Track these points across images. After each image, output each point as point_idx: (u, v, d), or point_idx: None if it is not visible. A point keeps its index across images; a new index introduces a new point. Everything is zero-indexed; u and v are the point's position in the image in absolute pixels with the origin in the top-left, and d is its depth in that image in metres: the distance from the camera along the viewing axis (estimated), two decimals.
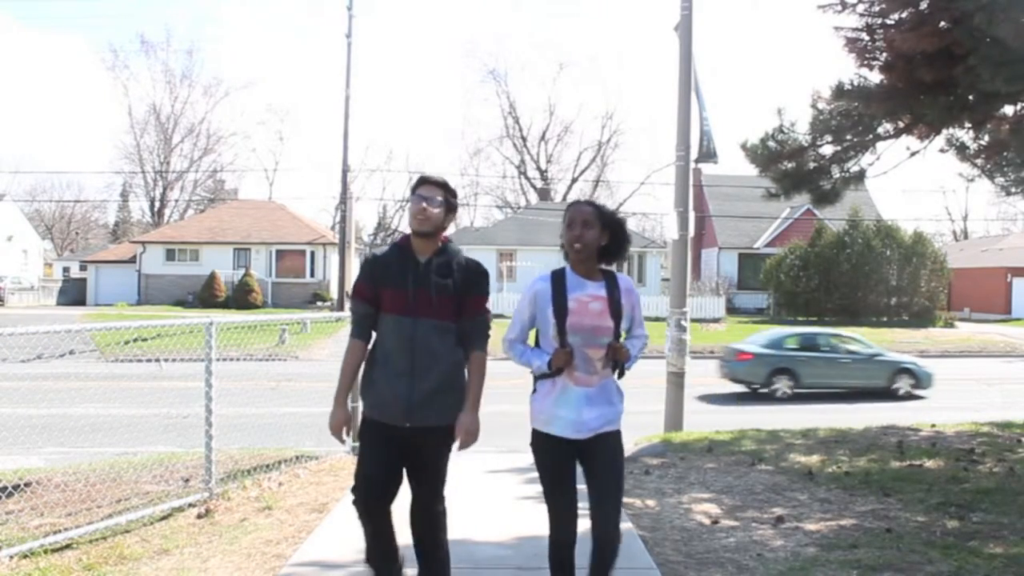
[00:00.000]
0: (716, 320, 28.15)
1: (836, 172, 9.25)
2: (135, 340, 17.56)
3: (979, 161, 9.16)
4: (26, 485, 5.63)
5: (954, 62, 6.57)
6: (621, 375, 3.38)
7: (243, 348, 6.86)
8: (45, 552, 4.51)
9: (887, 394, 14.32)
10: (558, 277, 3.38)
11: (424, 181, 3.47)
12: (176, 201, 60.29)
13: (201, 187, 61.86)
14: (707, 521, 5.26)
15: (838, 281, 29.59)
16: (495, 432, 9.20)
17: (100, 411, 8.75)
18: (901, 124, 8.30)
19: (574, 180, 59.09)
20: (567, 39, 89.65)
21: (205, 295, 33.31)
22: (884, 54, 7.41)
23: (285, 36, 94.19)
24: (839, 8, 7.45)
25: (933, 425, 9.25)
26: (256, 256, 35.82)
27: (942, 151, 8.95)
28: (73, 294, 38.95)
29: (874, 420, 9.62)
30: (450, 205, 3.48)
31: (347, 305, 3.93)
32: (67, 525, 4.98)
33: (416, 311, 3.34)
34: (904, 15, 7.16)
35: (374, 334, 3.47)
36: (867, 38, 7.49)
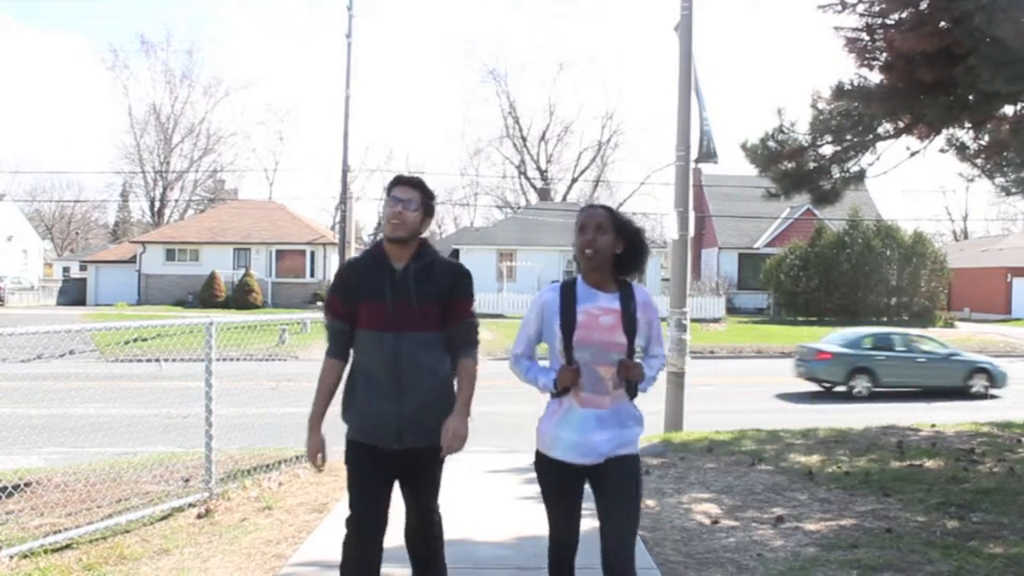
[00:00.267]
0: (716, 320, 28.14)
1: (836, 172, 9.25)
2: (135, 340, 17.57)
3: (979, 161, 9.16)
4: (26, 485, 5.63)
5: (954, 62, 6.58)
6: (633, 396, 3.08)
7: (243, 348, 6.86)
8: (45, 552, 4.51)
9: (962, 393, 14.44)
10: (568, 287, 3.08)
11: (399, 182, 3.18)
12: (176, 201, 60.33)
13: (201, 187, 61.89)
14: (707, 521, 5.26)
15: (838, 281, 29.59)
16: (495, 432, 9.22)
17: (100, 411, 8.75)
18: (901, 124, 8.31)
19: (574, 180, 59.12)
20: (567, 39, 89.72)
21: (205, 295, 33.31)
22: (884, 54, 7.41)
23: (285, 36, 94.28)
24: (839, 8, 7.45)
25: (933, 425, 9.25)
26: (256, 256, 35.81)
27: (942, 151, 8.96)
28: (73, 294, 38.95)
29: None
30: (427, 208, 3.19)
31: None
32: (67, 525, 4.98)
33: (398, 325, 3.06)
34: (904, 15, 7.17)
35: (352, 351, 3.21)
36: (867, 38, 7.50)
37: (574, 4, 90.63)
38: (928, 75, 6.87)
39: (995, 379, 14.68)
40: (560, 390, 3.00)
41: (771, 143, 9.14)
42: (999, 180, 9.87)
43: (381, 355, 3.07)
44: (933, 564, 4.40)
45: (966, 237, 56.79)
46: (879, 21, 7.52)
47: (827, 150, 9.13)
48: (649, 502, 5.76)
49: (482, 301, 30.75)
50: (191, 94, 62.63)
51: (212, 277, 33.79)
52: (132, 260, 36.91)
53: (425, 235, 3.25)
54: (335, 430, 3.27)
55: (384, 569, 3.17)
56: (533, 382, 3.08)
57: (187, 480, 6.15)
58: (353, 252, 25.91)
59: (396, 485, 3.22)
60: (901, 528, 5.07)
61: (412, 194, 3.14)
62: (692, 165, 9.48)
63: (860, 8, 7.47)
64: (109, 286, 37.00)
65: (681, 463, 6.98)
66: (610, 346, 2.98)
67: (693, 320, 15.85)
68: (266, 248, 35.91)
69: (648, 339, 3.14)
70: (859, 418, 10.22)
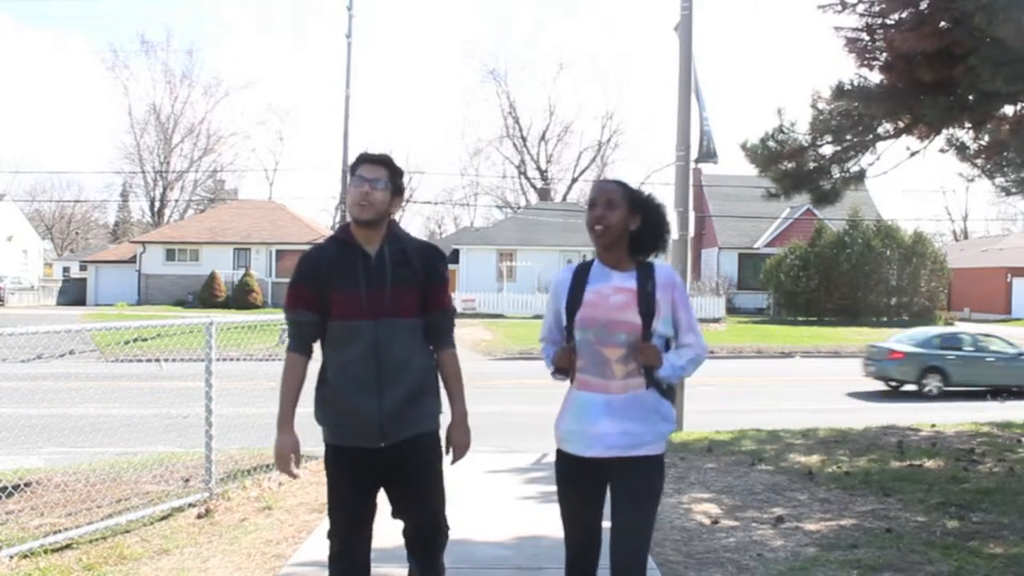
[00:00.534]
0: (716, 320, 28.13)
1: (836, 172, 9.25)
2: (135, 340, 17.57)
3: (979, 161, 9.16)
4: (26, 485, 5.63)
5: (954, 62, 6.58)
6: (649, 384, 2.77)
7: (243, 348, 6.86)
8: (45, 552, 4.51)
9: None
10: (582, 268, 2.90)
11: (364, 160, 2.95)
12: (176, 201, 60.37)
13: (201, 187, 61.94)
14: (707, 521, 5.26)
15: (838, 281, 29.59)
16: (495, 432, 9.23)
17: (100, 411, 8.75)
18: (901, 124, 8.31)
19: (574, 180, 59.16)
20: (567, 39, 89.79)
21: (205, 295, 33.32)
22: (884, 54, 7.41)
23: (285, 36, 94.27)
24: (839, 8, 7.46)
25: (933, 425, 9.25)
26: (256, 256, 35.83)
27: (942, 151, 8.96)
28: (73, 294, 38.96)
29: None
30: (396, 187, 2.96)
31: None
32: (67, 525, 4.98)
33: (375, 312, 2.85)
34: (904, 15, 7.17)
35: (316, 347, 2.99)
36: (867, 38, 7.50)
37: (574, 4, 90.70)
38: (928, 75, 6.87)
39: None
40: (558, 370, 2.87)
41: (771, 143, 9.14)
42: (999, 180, 9.87)
43: (358, 346, 2.85)
44: (933, 564, 4.40)
45: (966, 237, 56.80)
46: (879, 21, 7.52)
47: (827, 150, 9.13)
48: None
49: (482, 301, 30.78)
50: (191, 94, 62.90)
51: (212, 277, 33.81)
52: (132, 260, 36.93)
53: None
54: (282, 463, 2.95)
55: (382, 569, 3.17)
56: (547, 366, 2.94)
57: (187, 480, 6.15)
58: None
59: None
60: (901, 528, 5.07)
61: (379, 172, 2.92)
62: (692, 165, 9.49)
63: (860, 8, 7.47)
64: (109, 286, 37.02)
65: (681, 463, 6.98)
66: (616, 325, 2.74)
67: None
68: (266, 248, 35.93)
69: (678, 324, 2.85)
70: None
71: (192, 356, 7.37)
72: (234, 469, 6.28)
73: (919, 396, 14.32)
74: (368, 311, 2.85)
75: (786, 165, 9.20)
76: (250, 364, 7.07)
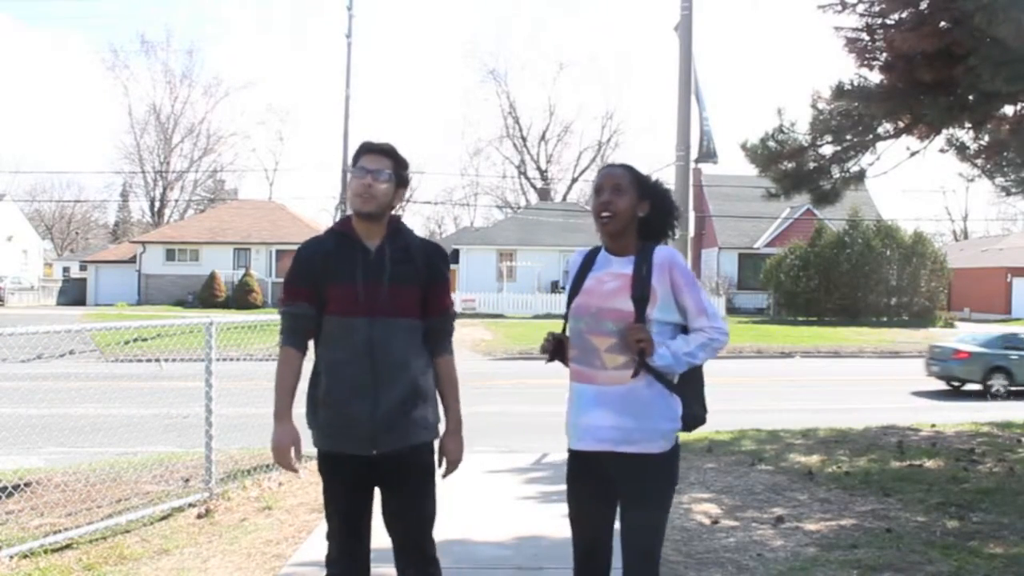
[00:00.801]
0: None
1: (836, 172, 9.25)
2: (135, 340, 17.57)
3: (979, 161, 9.16)
4: (26, 485, 5.63)
5: (954, 62, 6.57)
6: (636, 373, 2.57)
7: (243, 348, 6.86)
8: (45, 552, 4.51)
9: None
10: (591, 254, 2.79)
11: (367, 149, 2.81)
12: (176, 201, 60.37)
13: (201, 187, 61.95)
14: (707, 521, 5.26)
15: (838, 281, 29.58)
16: (495, 432, 9.22)
17: (100, 411, 8.74)
18: (901, 124, 8.31)
19: (574, 180, 59.18)
20: (567, 39, 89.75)
21: (205, 295, 33.32)
22: (884, 54, 7.41)
23: (285, 36, 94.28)
24: (839, 8, 7.45)
25: (933, 425, 9.25)
26: (256, 256, 35.84)
27: (942, 151, 8.96)
28: (73, 294, 38.96)
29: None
30: (400, 178, 2.83)
31: None
32: (67, 525, 4.98)
33: (372, 309, 2.71)
34: (904, 15, 7.17)
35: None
36: (867, 38, 7.50)
37: (574, 4, 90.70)
38: (928, 75, 6.87)
39: None
40: (548, 359, 2.77)
41: (771, 143, 9.13)
42: (999, 180, 9.87)
43: (352, 344, 2.71)
44: (933, 564, 4.40)
45: (966, 237, 56.80)
46: (879, 21, 7.52)
47: (827, 150, 9.12)
48: None
49: (482, 301, 30.77)
50: (191, 94, 62.83)
51: (212, 277, 33.81)
52: (132, 260, 36.93)
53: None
54: (281, 457, 2.90)
55: (381, 569, 3.16)
56: None
57: (187, 480, 6.15)
58: None
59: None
60: (901, 528, 5.07)
61: (383, 163, 2.78)
62: (692, 165, 9.48)
63: (860, 8, 7.47)
64: (109, 286, 37.03)
65: (681, 463, 6.97)
66: (605, 313, 2.60)
67: None
68: (266, 248, 35.93)
69: (683, 308, 2.64)
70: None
71: (192, 356, 7.37)
72: (234, 469, 6.28)
73: (983, 396, 14.36)
74: (364, 307, 2.71)
75: (786, 165, 9.20)
76: (250, 364, 7.06)
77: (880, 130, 8.55)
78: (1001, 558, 4.50)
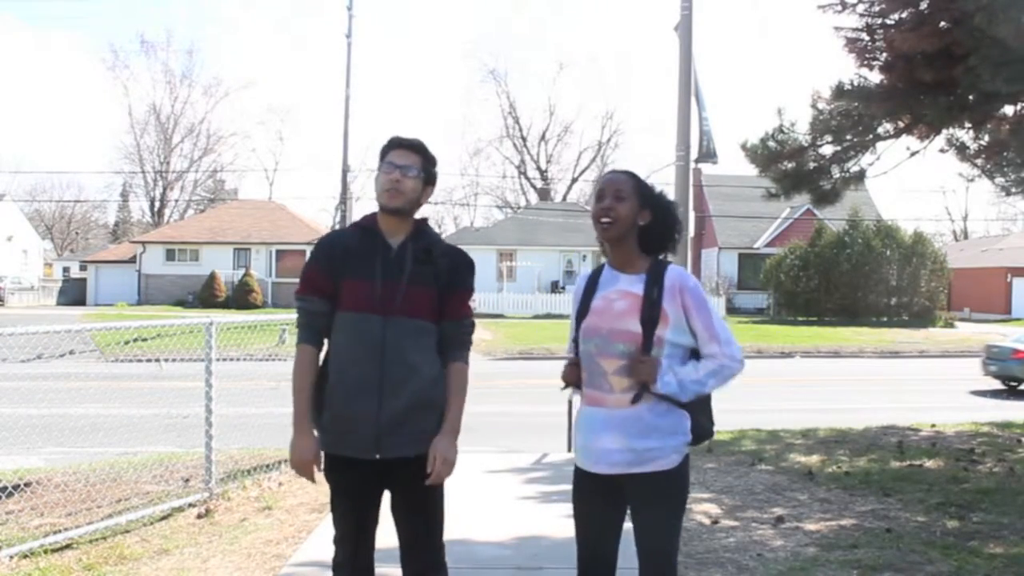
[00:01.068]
0: None
1: (836, 172, 9.26)
2: (135, 340, 17.55)
3: (979, 161, 9.16)
4: (26, 485, 5.63)
5: (954, 62, 6.58)
6: (635, 400, 2.55)
7: (243, 348, 6.86)
8: (45, 552, 4.51)
9: None
10: (596, 272, 2.75)
11: (397, 144, 2.74)
12: (176, 201, 60.39)
13: (201, 187, 61.97)
14: (707, 521, 5.26)
15: (838, 281, 29.58)
16: (495, 432, 9.22)
17: (100, 411, 8.74)
18: (901, 124, 8.31)
19: (574, 180, 59.20)
20: (567, 39, 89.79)
21: (205, 295, 33.33)
22: (884, 54, 7.42)
23: (285, 36, 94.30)
24: (839, 8, 7.46)
25: (933, 425, 9.25)
26: (256, 256, 35.84)
27: (942, 151, 8.96)
28: (73, 294, 38.97)
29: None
30: (429, 175, 2.77)
31: None
32: (67, 525, 4.98)
33: (386, 308, 2.63)
34: (904, 15, 7.17)
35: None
36: (867, 38, 7.50)
37: (574, 4, 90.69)
38: (928, 75, 6.88)
39: None
40: (566, 385, 2.73)
41: (771, 143, 9.14)
42: (999, 180, 9.87)
43: (363, 343, 2.63)
44: (933, 564, 4.40)
45: (966, 237, 56.81)
46: (879, 21, 7.52)
47: (827, 150, 9.13)
48: None
49: (482, 301, 30.73)
50: (191, 94, 62.99)
51: (212, 277, 33.82)
52: (132, 260, 36.94)
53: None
54: (304, 469, 2.79)
55: (383, 569, 3.16)
56: None
57: (187, 480, 6.15)
58: None
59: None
60: (901, 528, 5.07)
61: (412, 159, 2.73)
62: (692, 165, 9.48)
63: (860, 8, 7.48)
64: (109, 286, 37.03)
65: None
66: (616, 335, 2.55)
67: None
68: (266, 248, 35.94)
69: (697, 333, 2.59)
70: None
71: (192, 356, 7.37)
72: (234, 469, 6.28)
73: None
74: (379, 306, 2.64)
75: (786, 165, 9.20)
76: (250, 364, 7.07)
77: (880, 130, 8.55)
78: (1001, 558, 4.50)
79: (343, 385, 2.66)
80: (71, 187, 68.12)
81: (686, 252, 9.42)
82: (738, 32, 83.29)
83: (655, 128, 78.05)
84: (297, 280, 2.87)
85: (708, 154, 9.78)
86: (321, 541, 4.76)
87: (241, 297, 32.76)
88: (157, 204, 59.05)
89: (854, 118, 8.49)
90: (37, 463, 6.94)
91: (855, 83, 7.87)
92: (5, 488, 5.16)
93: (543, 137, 60.45)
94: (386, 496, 2.85)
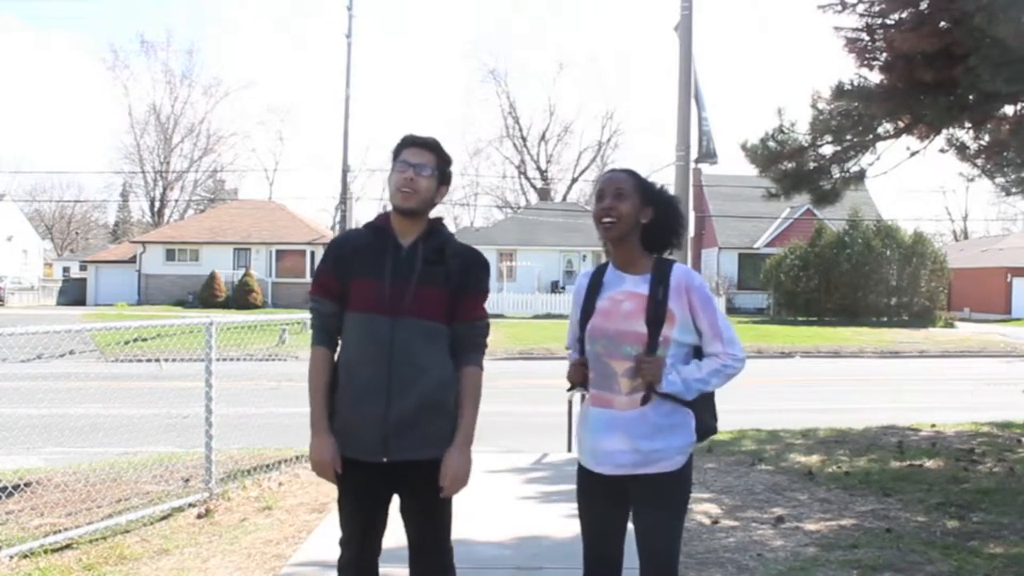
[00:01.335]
0: None
1: (836, 172, 9.25)
2: (135, 340, 17.55)
3: (979, 161, 9.16)
4: (26, 485, 5.63)
5: (954, 62, 6.58)
6: (645, 400, 2.55)
7: (243, 348, 6.86)
8: (45, 552, 4.51)
9: None
10: (597, 272, 2.72)
11: (411, 143, 2.69)
12: (176, 201, 60.43)
13: (201, 187, 61.99)
14: (707, 521, 5.26)
15: (838, 281, 29.57)
16: (495, 432, 9.21)
17: (100, 411, 8.74)
18: (901, 124, 8.31)
19: (574, 180, 59.23)
20: (567, 39, 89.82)
21: (205, 295, 33.33)
22: (884, 54, 7.42)
23: (285, 36, 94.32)
24: (839, 8, 7.46)
25: (933, 425, 9.25)
26: (256, 256, 35.83)
27: (942, 151, 8.96)
28: (73, 294, 38.98)
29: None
30: (443, 175, 2.72)
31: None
32: (67, 525, 4.98)
33: (395, 308, 2.58)
34: (904, 15, 7.17)
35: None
36: (867, 38, 7.50)
37: (574, 4, 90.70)
38: (928, 75, 6.87)
39: None
40: (572, 386, 2.71)
41: (771, 143, 9.14)
42: (999, 180, 9.86)
43: (371, 344, 2.59)
44: (933, 564, 4.40)
45: (966, 237, 56.82)
46: (879, 21, 7.52)
47: (827, 150, 9.12)
48: None
49: None
50: (191, 94, 63.07)
51: (212, 277, 33.82)
52: (132, 260, 36.94)
53: (438, 211, 2.81)
54: (323, 470, 2.76)
55: (385, 569, 3.16)
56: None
57: (187, 480, 6.15)
58: None
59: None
60: (901, 528, 5.07)
61: (426, 158, 2.67)
62: (692, 165, 9.49)
63: (860, 8, 7.48)
64: (109, 286, 37.04)
65: None
66: (623, 336, 2.54)
67: None
68: (266, 248, 35.93)
69: (702, 332, 2.60)
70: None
71: (192, 356, 7.37)
72: (234, 469, 6.28)
73: None
74: (388, 306, 2.59)
75: (786, 165, 9.20)
76: (250, 364, 7.06)
77: (880, 130, 8.55)
78: (1001, 558, 4.50)
79: (352, 386, 2.62)
80: (71, 187, 68.28)
81: (686, 252, 9.43)
82: (738, 32, 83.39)
83: (655, 128, 78.10)
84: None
85: (708, 154, 9.79)
86: (321, 541, 4.76)
87: (241, 297, 32.76)
88: (157, 204, 59.09)
89: (854, 118, 8.48)
90: (37, 463, 6.94)
91: (855, 83, 7.87)
92: (5, 488, 5.16)
93: (543, 137, 60.54)
94: (395, 496, 2.84)
